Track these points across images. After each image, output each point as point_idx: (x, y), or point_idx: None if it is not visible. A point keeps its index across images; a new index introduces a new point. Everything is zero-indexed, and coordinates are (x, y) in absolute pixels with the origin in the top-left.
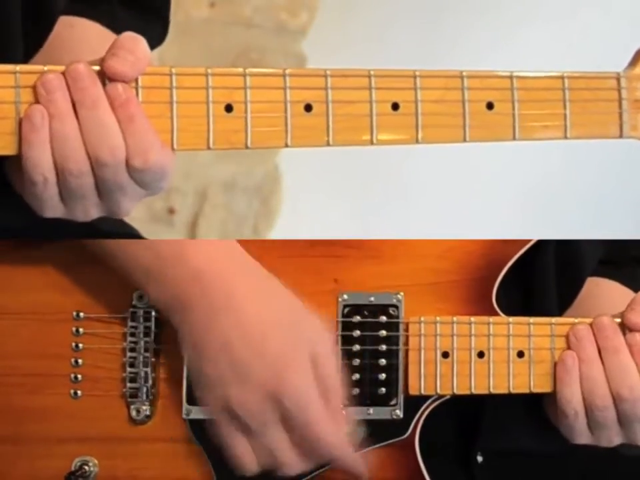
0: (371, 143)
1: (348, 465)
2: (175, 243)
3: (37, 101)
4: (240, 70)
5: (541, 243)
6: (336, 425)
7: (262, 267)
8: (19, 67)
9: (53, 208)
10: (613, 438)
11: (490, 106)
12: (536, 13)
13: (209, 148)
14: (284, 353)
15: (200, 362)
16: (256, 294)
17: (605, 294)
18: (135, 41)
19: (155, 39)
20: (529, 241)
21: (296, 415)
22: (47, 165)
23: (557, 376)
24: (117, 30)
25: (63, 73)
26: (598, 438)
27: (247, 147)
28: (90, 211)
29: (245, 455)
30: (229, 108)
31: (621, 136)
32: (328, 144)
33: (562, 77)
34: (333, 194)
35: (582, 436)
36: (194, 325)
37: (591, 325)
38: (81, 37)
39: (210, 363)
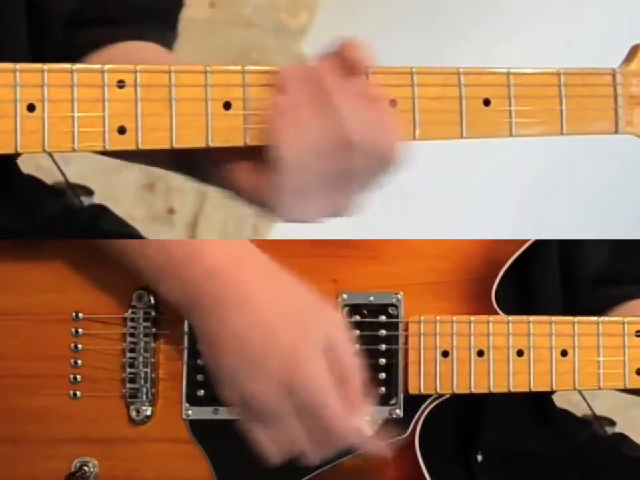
0: None
1: (367, 452)
2: (185, 242)
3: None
4: (238, 67)
5: (540, 242)
6: (351, 415)
7: (272, 262)
8: (18, 66)
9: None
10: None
11: (487, 102)
12: (535, 12)
13: (207, 145)
14: (296, 344)
15: (215, 358)
16: (267, 289)
17: None
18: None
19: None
20: (528, 240)
21: (310, 406)
22: None
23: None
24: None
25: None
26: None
27: (245, 144)
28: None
29: (267, 447)
30: (227, 105)
31: (616, 132)
32: None
33: (558, 73)
34: None
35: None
36: (207, 323)
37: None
38: (150, 52)
39: (224, 359)
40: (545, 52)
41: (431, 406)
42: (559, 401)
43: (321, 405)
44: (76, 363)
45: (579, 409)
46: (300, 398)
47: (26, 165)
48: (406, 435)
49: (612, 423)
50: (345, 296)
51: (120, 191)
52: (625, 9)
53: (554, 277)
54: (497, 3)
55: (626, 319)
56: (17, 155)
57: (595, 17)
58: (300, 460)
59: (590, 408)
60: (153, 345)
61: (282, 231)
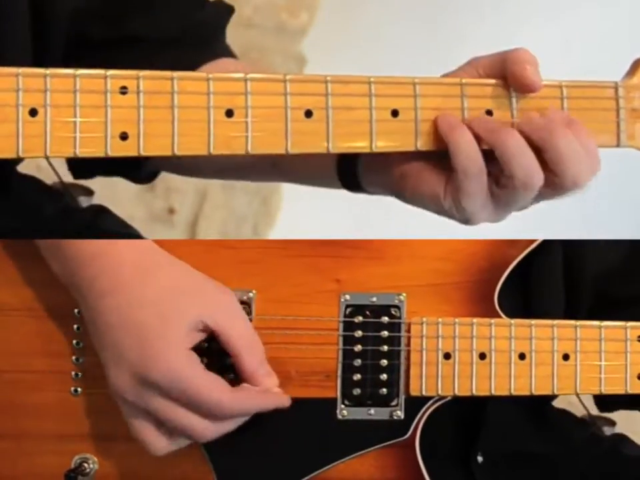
0: (370, 149)
1: (251, 410)
2: (93, 241)
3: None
4: (241, 75)
5: (544, 245)
6: (218, 384)
7: (163, 251)
8: (21, 70)
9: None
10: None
11: (489, 113)
12: (536, 13)
13: (209, 153)
14: (154, 330)
15: (95, 344)
16: (138, 275)
17: None
18: (529, 52)
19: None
20: (532, 242)
21: (169, 387)
22: None
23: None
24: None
25: None
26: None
27: (247, 152)
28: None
29: (149, 437)
30: (229, 113)
31: (618, 145)
32: (328, 150)
33: (560, 86)
34: (333, 194)
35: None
36: (85, 309)
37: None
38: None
39: (98, 345)
40: (544, 52)
41: (432, 408)
42: (559, 401)
43: (180, 384)
44: (77, 359)
45: (578, 409)
46: (157, 382)
47: (27, 166)
48: (406, 436)
49: (612, 423)
50: (347, 296)
51: (120, 191)
52: (624, 9)
53: (557, 280)
54: (498, 4)
55: (628, 324)
56: (19, 159)
57: (595, 16)
58: (193, 440)
59: (585, 408)
60: None
61: (282, 230)
